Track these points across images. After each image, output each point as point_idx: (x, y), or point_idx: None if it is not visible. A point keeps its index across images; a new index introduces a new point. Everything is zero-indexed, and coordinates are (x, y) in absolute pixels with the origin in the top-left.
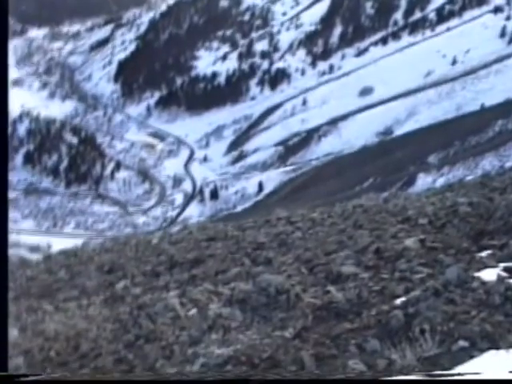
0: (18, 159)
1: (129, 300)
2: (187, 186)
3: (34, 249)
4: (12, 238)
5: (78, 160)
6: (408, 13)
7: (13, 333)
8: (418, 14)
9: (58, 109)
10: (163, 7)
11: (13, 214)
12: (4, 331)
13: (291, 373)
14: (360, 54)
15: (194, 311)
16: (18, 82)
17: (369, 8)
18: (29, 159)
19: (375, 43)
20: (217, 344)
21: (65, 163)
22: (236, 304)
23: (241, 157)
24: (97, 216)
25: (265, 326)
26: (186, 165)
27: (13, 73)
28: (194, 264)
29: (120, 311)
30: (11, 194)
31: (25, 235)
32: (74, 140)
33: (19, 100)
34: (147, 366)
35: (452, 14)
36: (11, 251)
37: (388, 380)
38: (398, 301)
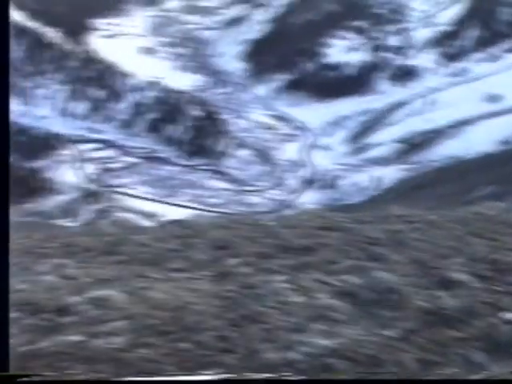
0: (141, 126)
1: (238, 279)
2: (305, 171)
3: (149, 215)
4: (129, 203)
5: (201, 134)
6: None
7: (119, 298)
8: None
9: (187, 81)
10: None
11: (131, 180)
12: (4, 331)
13: (393, 374)
14: (493, 59)
15: (301, 299)
16: (149, 51)
17: (507, 14)
18: (153, 127)
19: (510, 50)
20: (322, 335)
21: (188, 135)
22: (345, 297)
23: (362, 149)
24: (213, 191)
25: (372, 323)
26: (307, 151)
27: (145, 41)
28: (307, 251)
29: (228, 289)
30: (132, 159)
31: (141, 201)
32: (200, 113)
33: (149, 68)
34: (249, 346)
35: None
36: (126, 215)
37: (389, 380)
38: (510, 315)
